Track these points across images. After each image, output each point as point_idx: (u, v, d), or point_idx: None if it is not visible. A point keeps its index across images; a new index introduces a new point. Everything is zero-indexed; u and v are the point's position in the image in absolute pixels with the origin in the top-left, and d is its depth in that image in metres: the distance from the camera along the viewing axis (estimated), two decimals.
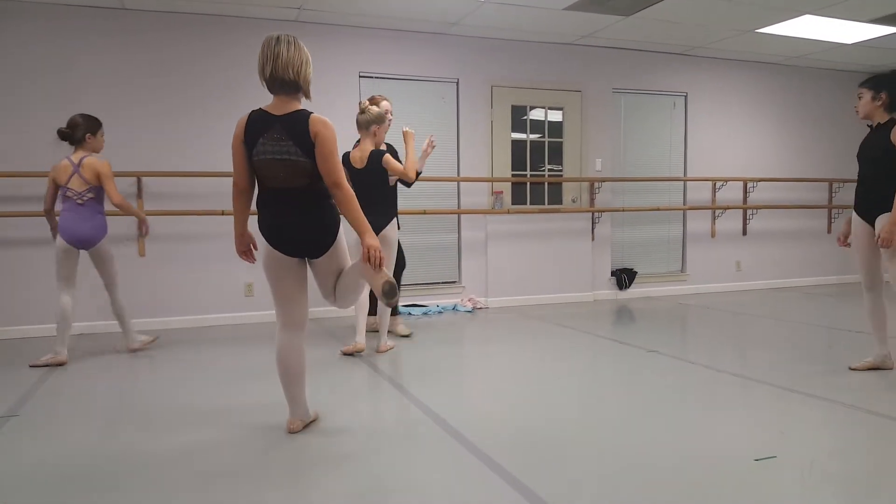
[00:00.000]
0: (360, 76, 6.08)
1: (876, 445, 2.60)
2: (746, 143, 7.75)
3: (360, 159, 4.26)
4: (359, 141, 4.33)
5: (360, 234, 2.60)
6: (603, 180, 6.93)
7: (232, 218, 2.88)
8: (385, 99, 4.70)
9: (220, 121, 5.56)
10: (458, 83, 6.45)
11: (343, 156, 4.22)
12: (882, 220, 3.50)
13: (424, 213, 6.22)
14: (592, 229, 6.98)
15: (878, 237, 3.44)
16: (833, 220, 8.17)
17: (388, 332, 4.81)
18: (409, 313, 6.02)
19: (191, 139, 5.59)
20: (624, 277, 7.11)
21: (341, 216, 2.71)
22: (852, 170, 8.48)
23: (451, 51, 6.38)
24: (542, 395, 3.39)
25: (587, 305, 6.63)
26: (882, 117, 3.61)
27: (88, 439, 2.77)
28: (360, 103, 4.46)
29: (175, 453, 2.58)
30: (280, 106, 2.61)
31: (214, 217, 5.59)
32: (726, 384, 3.54)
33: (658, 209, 7.22)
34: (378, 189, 4.28)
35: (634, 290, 7.19)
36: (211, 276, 5.68)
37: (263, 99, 2.68)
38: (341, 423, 2.92)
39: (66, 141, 4.26)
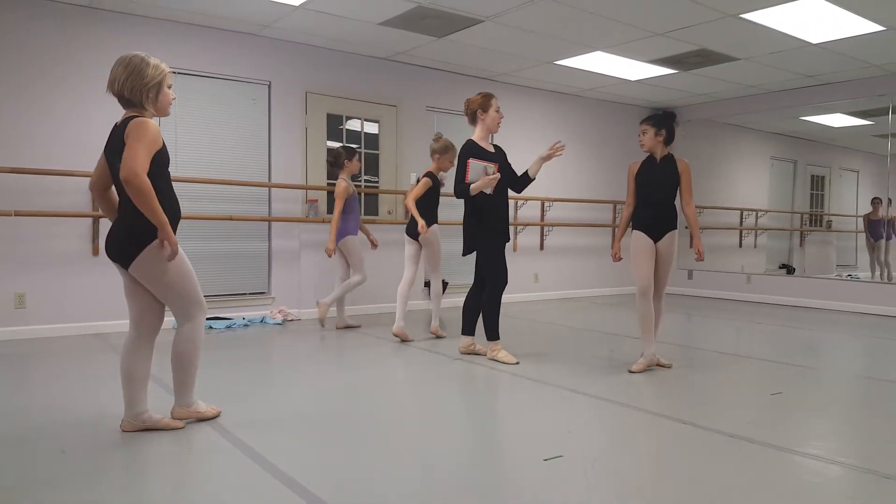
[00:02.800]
0: None
1: (648, 440, 2.91)
2: (545, 165, 8.35)
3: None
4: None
5: (157, 228, 2.64)
6: None
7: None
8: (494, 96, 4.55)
9: None
10: (270, 86, 6.26)
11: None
12: (672, 237, 4.16)
13: (231, 219, 5.93)
14: None
15: (698, 252, 4.14)
16: None
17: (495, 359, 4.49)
18: (210, 327, 5.68)
19: None
20: None
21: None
22: None
23: (264, 53, 6.18)
24: (343, 405, 3.37)
25: None
26: (663, 151, 4.22)
27: None
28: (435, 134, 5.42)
29: None
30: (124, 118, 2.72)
31: None
32: (522, 388, 3.76)
33: None
34: (423, 202, 5.20)
35: (446, 300, 7.41)
36: None
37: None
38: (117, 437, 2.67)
39: (333, 168, 5.74)
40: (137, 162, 2.53)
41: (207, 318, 5.75)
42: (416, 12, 5.39)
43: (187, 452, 2.68)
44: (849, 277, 8.56)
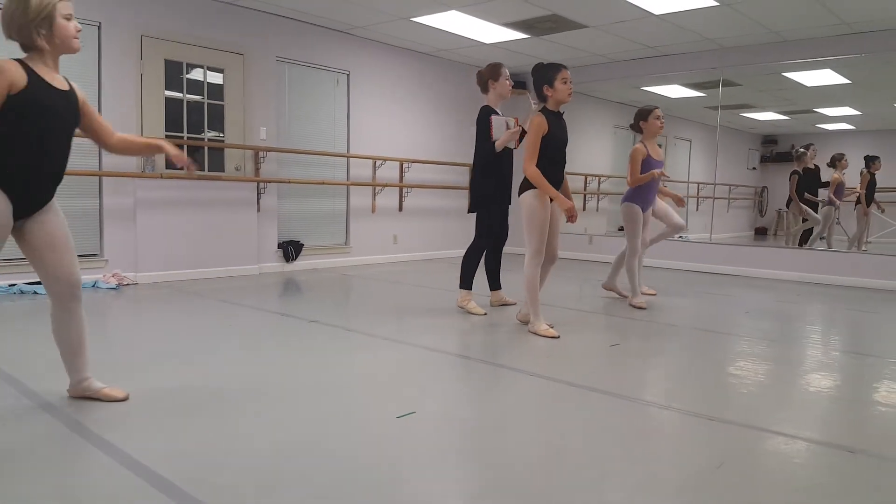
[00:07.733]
0: None
1: (496, 392, 2.98)
2: (403, 126, 8.30)
3: None
4: None
5: None
6: (268, 150, 6.76)
7: None
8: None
9: None
10: (99, 27, 5.62)
11: None
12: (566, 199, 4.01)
13: None
14: (258, 200, 6.77)
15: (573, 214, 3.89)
16: None
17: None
18: (35, 292, 5.10)
19: None
20: (291, 249, 7.07)
21: None
22: None
23: None
24: (186, 379, 3.15)
25: (252, 279, 6.42)
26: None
27: None
28: None
29: None
30: None
31: None
32: (379, 348, 3.72)
33: (324, 183, 7.32)
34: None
35: (301, 263, 7.20)
36: None
37: None
38: None
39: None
40: None
41: (31, 283, 5.17)
42: None
43: (14, 443, 2.37)
44: (680, 238, 9.31)
